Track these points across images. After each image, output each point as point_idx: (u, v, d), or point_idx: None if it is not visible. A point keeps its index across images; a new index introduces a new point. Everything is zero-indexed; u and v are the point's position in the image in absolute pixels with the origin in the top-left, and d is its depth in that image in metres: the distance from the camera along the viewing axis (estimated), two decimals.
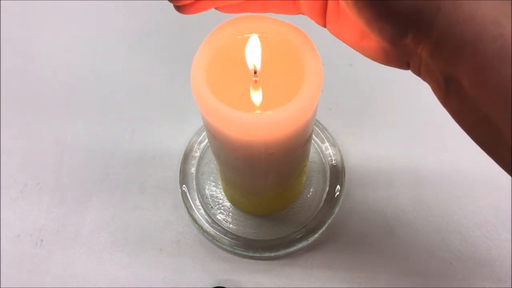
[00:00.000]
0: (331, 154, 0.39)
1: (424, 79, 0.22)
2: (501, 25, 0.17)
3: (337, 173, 0.38)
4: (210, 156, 0.39)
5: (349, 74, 0.44)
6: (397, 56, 0.22)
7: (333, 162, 0.39)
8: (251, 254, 0.36)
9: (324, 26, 0.25)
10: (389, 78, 0.43)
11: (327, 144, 0.40)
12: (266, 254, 0.36)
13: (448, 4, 0.18)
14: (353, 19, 0.22)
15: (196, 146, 0.40)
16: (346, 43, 0.24)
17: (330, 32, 0.25)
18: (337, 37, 0.24)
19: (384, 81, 0.43)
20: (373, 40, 0.22)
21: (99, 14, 0.48)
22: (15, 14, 0.49)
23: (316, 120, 0.40)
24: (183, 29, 0.47)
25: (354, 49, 0.24)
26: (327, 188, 0.38)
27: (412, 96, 0.42)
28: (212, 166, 0.39)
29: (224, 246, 0.36)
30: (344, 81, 0.43)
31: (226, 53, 0.26)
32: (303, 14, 0.25)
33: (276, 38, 0.26)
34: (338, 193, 0.37)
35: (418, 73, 0.22)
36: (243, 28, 0.26)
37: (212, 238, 0.36)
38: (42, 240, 0.38)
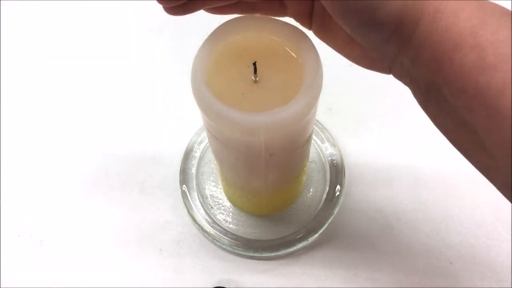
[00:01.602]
0: (331, 154, 0.39)
1: (405, 84, 0.22)
2: (478, 35, 0.18)
3: (337, 173, 0.38)
4: (210, 156, 0.39)
5: (349, 74, 0.44)
6: (379, 61, 0.23)
7: (333, 162, 0.39)
8: (251, 254, 0.36)
9: (310, 29, 0.25)
10: (389, 78, 0.43)
11: (327, 144, 0.40)
12: (266, 254, 0.36)
13: (429, 14, 0.19)
14: (337, 25, 0.22)
15: (196, 146, 0.40)
16: (331, 47, 0.25)
17: (316, 36, 0.25)
18: (322, 41, 0.25)
19: (384, 81, 0.43)
20: (357, 46, 0.23)
21: (99, 14, 0.48)
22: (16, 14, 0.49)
23: (316, 120, 0.40)
24: (183, 29, 0.47)
25: (339, 53, 0.25)
26: (327, 188, 0.38)
27: (413, 96, 0.42)
28: (212, 166, 0.39)
29: (224, 246, 0.36)
30: (344, 81, 0.43)
31: (226, 53, 0.26)
32: (290, 17, 0.25)
33: (276, 38, 0.26)
34: (338, 193, 0.37)
35: (399, 77, 0.22)
36: (244, 28, 0.26)
37: (212, 238, 0.36)
38: (42, 240, 0.38)
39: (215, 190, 0.39)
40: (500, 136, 0.18)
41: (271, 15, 0.26)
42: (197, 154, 0.40)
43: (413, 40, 0.19)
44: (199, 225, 0.37)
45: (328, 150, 0.40)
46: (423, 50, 0.19)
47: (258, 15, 0.26)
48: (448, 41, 0.18)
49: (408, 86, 0.22)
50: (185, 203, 0.38)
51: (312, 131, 0.31)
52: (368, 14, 0.19)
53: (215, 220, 0.37)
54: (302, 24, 0.25)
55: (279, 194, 0.35)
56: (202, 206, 0.38)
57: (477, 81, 0.18)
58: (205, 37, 0.26)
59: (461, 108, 0.19)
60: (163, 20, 0.47)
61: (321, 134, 0.40)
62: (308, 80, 0.25)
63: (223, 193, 0.38)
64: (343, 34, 0.23)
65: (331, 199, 0.37)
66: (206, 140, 0.40)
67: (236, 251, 0.36)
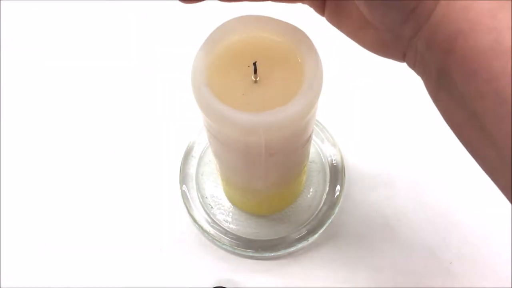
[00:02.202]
0: (331, 154, 0.39)
1: (418, 72, 0.22)
2: (497, 18, 0.17)
3: (337, 173, 0.38)
4: (210, 156, 0.39)
5: (349, 74, 0.44)
6: (394, 46, 0.22)
7: (333, 162, 0.39)
8: (251, 254, 0.36)
9: (323, 15, 0.25)
10: (389, 78, 0.43)
11: (327, 144, 0.40)
12: (266, 254, 0.36)
13: None
14: (351, 8, 0.22)
15: (196, 146, 0.40)
16: (344, 33, 0.24)
17: (328, 22, 0.25)
18: (336, 27, 0.25)
19: (384, 81, 0.43)
20: (371, 29, 0.22)
21: (100, 14, 0.48)
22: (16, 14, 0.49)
23: (316, 120, 0.40)
24: (183, 29, 0.47)
25: (351, 39, 0.24)
26: (327, 188, 0.38)
27: (413, 96, 0.42)
28: (212, 166, 0.39)
29: (224, 246, 0.36)
30: (344, 81, 0.43)
31: (226, 53, 0.26)
32: (303, 2, 0.25)
33: (276, 38, 0.26)
34: (338, 193, 0.37)
35: (413, 65, 0.22)
36: (243, 28, 0.26)
37: (212, 238, 0.36)
38: (42, 241, 0.38)
39: (215, 190, 0.39)
40: (509, 126, 0.17)
41: (285, 2, 0.25)
42: (197, 154, 0.40)
43: (430, 19, 0.19)
44: (199, 225, 0.37)
45: (328, 150, 0.39)
46: (439, 30, 0.19)
47: (258, 15, 0.26)
48: (466, 21, 0.18)
49: (421, 76, 0.22)
50: (185, 203, 0.38)
51: (312, 131, 0.31)
52: None
53: (215, 220, 0.37)
54: (316, 9, 0.25)
55: (279, 194, 0.35)
56: (202, 206, 0.38)
57: (491, 64, 0.17)
58: (205, 37, 0.26)
59: (472, 95, 0.18)
60: (163, 20, 0.48)
61: (321, 134, 0.40)
62: (308, 80, 0.25)
63: (223, 193, 0.38)
64: (357, 18, 0.23)
65: (331, 199, 0.37)
66: (206, 140, 0.40)
67: (236, 251, 0.36)
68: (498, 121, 0.18)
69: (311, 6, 0.25)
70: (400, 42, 0.21)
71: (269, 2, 0.25)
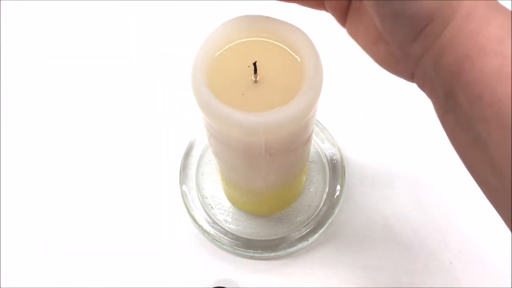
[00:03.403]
0: (331, 154, 0.39)
1: (427, 93, 0.22)
2: (504, 44, 0.18)
3: (337, 173, 0.38)
4: (210, 156, 0.39)
5: (349, 74, 0.44)
6: (403, 63, 0.22)
7: (333, 162, 0.39)
8: (251, 254, 0.36)
9: (344, 26, 0.25)
10: (389, 78, 0.43)
11: (327, 144, 0.40)
12: (266, 254, 0.36)
13: (461, 15, 0.19)
14: (369, 21, 0.22)
15: (196, 146, 0.40)
16: (359, 45, 0.25)
17: (348, 33, 0.25)
18: (353, 38, 0.25)
19: (384, 81, 0.43)
20: (384, 45, 0.23)
21: (100, 13, 0.48)
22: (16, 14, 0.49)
23: (316, 120, 0.40)
24: (183, 28, 0.47)
25: (366, 52, 0.25)
26: (327, 188, 0.38)
27: (413, 96, 0.42)
28: (212, 166, 0.39)
29: (224, 246, 0.36)
30: (344, 81, 0.43)
31: (227, 53, 0.26)
32: (327, 11, 0.25)
33: (276, 38, 0.26)
34: (338, 193, 0.37)
35: (422, 86, 0.22)
36: (244, 28, 0.26)
37: (212, 238, 0.36)
38: (42, 241, 0.38)
39: (215, 190, 0.39)
40: (510, 150, 0.17)
41: (308, 7, 0.26)
42: (197, 154, 0.40)
43: (440, 39, 0.19)
44: (199, 225, 0.37)
45: (328, 150, 0.40)
46: (448, 51, 0.19)
47: (258, 15, 0.26)
48: (474, 45, 0.18)
49: (429, 97, 0.22)
50: (185, 203, 0.38)
51: (312, 131, 0.32)
52: (402, 4, 0.19)
53: (215, 220, 0.37)
54: (338, 19, 0.25)
55: (279, 194, 0.35)
56: (202, 206, 0.38)
57: (495, 89, 0.17)
58: (205, 36, 0.26)
59: (477, 118, 0.18)
60: (163, 20, 0.48)
61: (321, 134, 0.40)
62: (308, 80, 0.25)
63: (223, 193, 0.38)
64: (373, 31, 0.23)
65: (331, 199, 0.37)
66: (206, 140, 0.40)
67: (236, 251, 0.36)
68: (501, 145, 0.18)
69: (334, 15, 0.25)
70: (409, 60, 0.22)
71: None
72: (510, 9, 0.19)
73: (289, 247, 0.36)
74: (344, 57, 0.43)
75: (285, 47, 0.26)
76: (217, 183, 0.39)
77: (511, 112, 0.17)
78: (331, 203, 0.37)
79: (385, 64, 0.24)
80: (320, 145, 0.40)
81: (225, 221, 0.37)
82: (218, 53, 0.26)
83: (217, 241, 0.36)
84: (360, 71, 0.44)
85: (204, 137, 0.40)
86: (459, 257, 0.36)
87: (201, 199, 0.38)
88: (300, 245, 0.36)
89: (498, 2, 0.19)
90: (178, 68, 0.45)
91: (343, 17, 0.25)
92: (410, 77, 0.23)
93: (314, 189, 0.38)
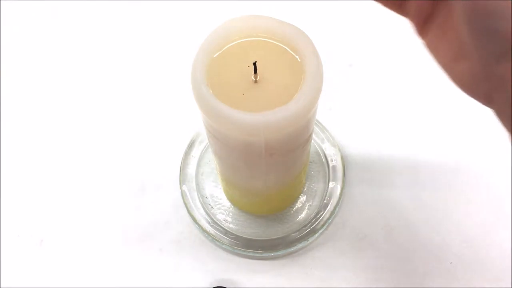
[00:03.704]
0: (331, 154, 0.39)
1: (503, 123, 0.20)
2: None
3: (337, 173, 0.38)
4: (210, 156, 0.39)
5: (349, 74, 0.44)
6: (483, 85, 0.21)
7: (333, 162, 0.39)
8: (251, 254, 0.36)
9: (422, 37, 0.24)
10: (389, 78, 0.43)
11: (327, 144, 0.40)
12: (266, 254, 0.36)
13: None
14: (454, 36, 0.21)
15: (196, 146, 0.40)
16: (437, 61, 0.23)
17: (426, 46, 0.24)
18: (432, 53, 0.24)
19: (384, 81, 0.43)
20: (466, 63, 0.21)
21: (100, 13, 0.48)
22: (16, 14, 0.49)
23: (316, 120, 0.40)
24: (183, 28, 0.47)
25: (443, 69, 0.23)
26: (327, 188, 0.38)
27: (413, 96, 0.43)
28: (212, 166, 0.39)
29: (224, 246, 0.36)
30: (344, 81, 0.43)
31: (226, 53, 0.26)
32: (407, 17, 0.24)
33: (276, 38, 0.26)
34: (338, 193, 0.37)
35: (499, 112, 0.20)
36: (243, 28, 0.26)
37: (212, 238, 0.36)
38: (42, 240, 0.38)
39: (215, 190, 0.39)
40: None
41: (389, 8, 0.24)
42: (197, 154, 0.40)
43: None
44: (199, 225, 0.37)
45: (328, 150, 0.40)
46: None
47: (258, 15, 0.26)
48: None
49: (505, 126, 0.20)
50: (185, 203, 0.38)
51: (312, 131, 0.32)
52: (494, 19, 0.17)
53: (215, 220, 0.37)
54: (418, 28, 0.24)
55: (279, 194, 0.35)
56: (202, 206, 0.38)
57: None
58: (205, 36, 0.26)
59: None
60: (163, 20, 0.48)
61: (321, 134, 0.40)
62: (308, 80, 0.25)
63: (223, 193, 0.38)
64: (456, 47, 0.22)
65: (331, 199, 0.37)
66: (206, 140, 0.40)
67: (236, 251, 0.36)
68: None
69: (414, 23, 0.24)
70: (491, 82, 0.20)
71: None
72: None
73: (289, 247, 0.36)
74: (344, 57, 0.43)
75: (285, 47, 0.26)
76: (217, 183, 0.39)
77: None
78: (331, 203, 0.37)
79: (462, 83, 0.22)
80: (320, 145, 0.40)
81: (225, 221, 0.37)
82: (218, 53, 0.26)
83: (217, 241, 0.36)
84: (360, 71, 0.44)
85: (204, 137, 0.40)
86: (459, 257, 0.36)
87: (201, 199, 0.38)
88: (300, 245, 0.36)
89: None
90: (178, 68, 0.45)
91: (423, 29, 0.24)
92: (487, 101, 0.21)
93: (314, 189, 0.38)
